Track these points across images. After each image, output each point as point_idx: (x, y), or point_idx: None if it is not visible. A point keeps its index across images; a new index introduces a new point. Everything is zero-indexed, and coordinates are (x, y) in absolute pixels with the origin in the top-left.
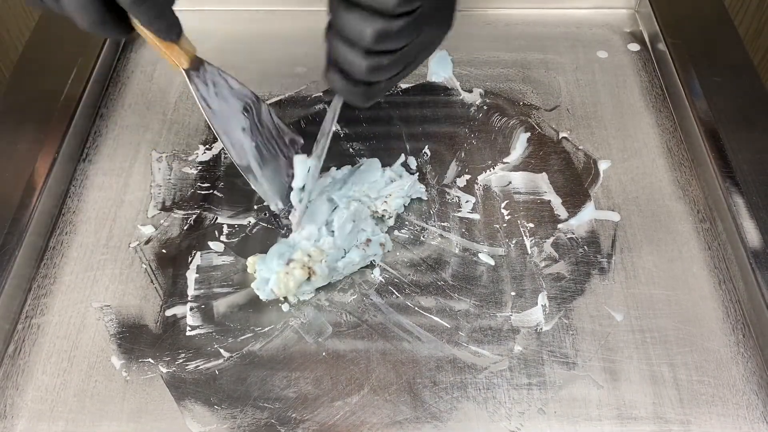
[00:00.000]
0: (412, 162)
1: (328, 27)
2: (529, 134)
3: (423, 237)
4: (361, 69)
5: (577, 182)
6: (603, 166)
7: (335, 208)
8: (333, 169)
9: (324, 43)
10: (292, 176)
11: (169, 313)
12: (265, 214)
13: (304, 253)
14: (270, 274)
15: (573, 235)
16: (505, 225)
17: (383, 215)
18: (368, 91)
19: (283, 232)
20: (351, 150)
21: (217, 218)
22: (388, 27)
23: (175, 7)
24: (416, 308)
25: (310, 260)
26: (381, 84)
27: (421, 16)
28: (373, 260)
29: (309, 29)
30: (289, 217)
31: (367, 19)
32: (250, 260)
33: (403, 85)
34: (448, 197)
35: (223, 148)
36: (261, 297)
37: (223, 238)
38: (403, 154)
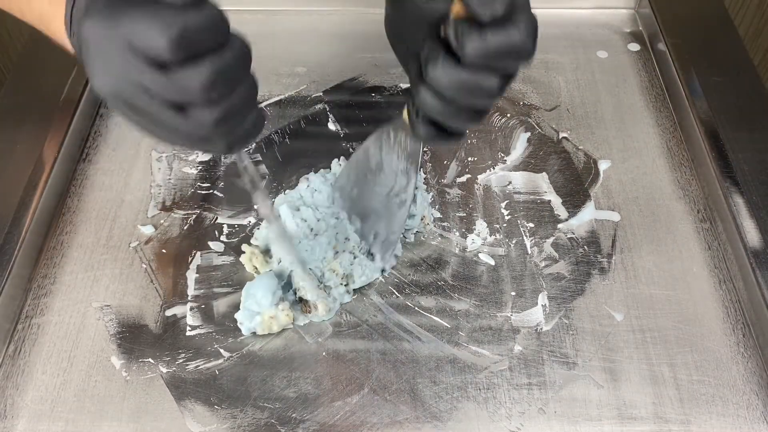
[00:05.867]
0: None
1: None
2: (529, 134)
3: (423, 237)
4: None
5: (577, 182)
6: (603, 166)
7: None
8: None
9: None
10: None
11: (169, 313)
12: None
13: (300, 286)
14: (259, 309)
15: (573, 235)
16: (505, 225)
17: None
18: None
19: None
20: (351, 150)
21: (217, 218)
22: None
23: None
24: (416, 308)
25: (306, 292)
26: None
27: None
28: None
29: (309, 29)
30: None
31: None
32: (245, 256)
33: (403, 85)
34: (448, 197)
35: None
36: (242, 330)
37: (223, 238)
38: None
